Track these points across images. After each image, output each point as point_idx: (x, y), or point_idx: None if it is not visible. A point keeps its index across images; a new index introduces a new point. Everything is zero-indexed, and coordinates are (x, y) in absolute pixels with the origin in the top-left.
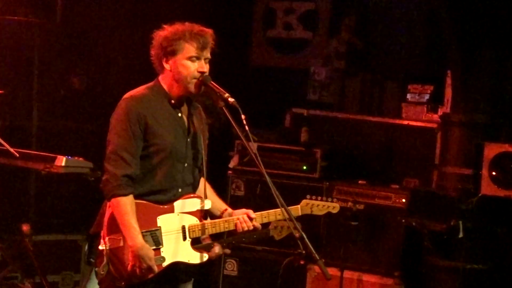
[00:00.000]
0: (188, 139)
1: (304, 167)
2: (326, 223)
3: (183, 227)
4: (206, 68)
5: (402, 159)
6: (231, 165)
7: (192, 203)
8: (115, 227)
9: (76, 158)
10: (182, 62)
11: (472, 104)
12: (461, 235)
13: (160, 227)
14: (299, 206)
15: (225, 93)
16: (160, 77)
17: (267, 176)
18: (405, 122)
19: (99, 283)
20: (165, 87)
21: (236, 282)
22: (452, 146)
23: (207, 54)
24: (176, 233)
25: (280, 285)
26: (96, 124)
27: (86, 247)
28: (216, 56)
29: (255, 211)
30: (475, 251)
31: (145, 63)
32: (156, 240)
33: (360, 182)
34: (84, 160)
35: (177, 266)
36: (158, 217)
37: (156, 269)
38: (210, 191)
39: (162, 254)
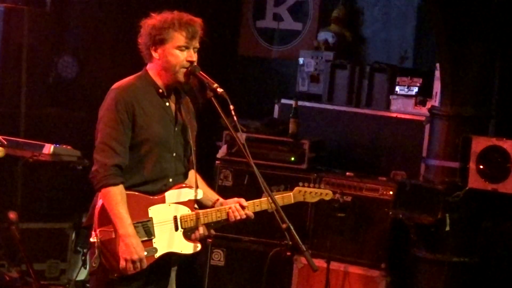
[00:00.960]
0: (176, 129)
1: (292, 158)
2: (313, 215)
3: (175, 218)
4: (194, 57)
5: (390, 151)
6: (219, 155)
7: (184, 193)
8: (106, 219)
9: (64, 146)
10: (171, 51)
11: (461, 97)
12: (447, 228)
13: (151, 218)
14: (291, 193)
15: (213, 83)
16: (148, 66)
17: (254, 167)
18: (393, 115)
19: (91, 275)
20: (153, 76)
21: (223, 273)
22: (439, 139)
23: (196, 43)
24: (168, 224)
25: (266, 277)
26: (85, 112)
27: (74, 236)
28: (206, 46)
29: None
30: (461, 244)
31: (134, 51)
32: (147, 231)
33: (347, 174)
34: (72, 148)
35: (169, 257)
36: (149, 208)
37: (145, 262)
38: (201, 181)
39: (154, 245)
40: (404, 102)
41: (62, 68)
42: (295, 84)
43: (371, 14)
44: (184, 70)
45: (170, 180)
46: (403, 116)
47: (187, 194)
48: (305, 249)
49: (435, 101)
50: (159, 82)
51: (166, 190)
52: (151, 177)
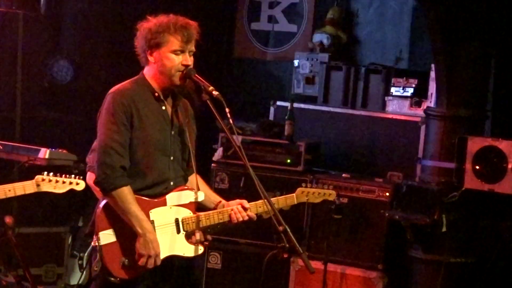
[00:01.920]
0: (172, 132)
1: (288, 160)
2: (309, 216)
3: (177, 220)
4: (190, 61)
5: (386, 152)
6: (215, 158)
7: (185, 196)
8: (106, 223)
9: (59, 150)
10: (166, 55)
11: (456, 98)
12: (444, 229)
13: (153, 221)
14: (294, 194)
15: (209, 86)
16: (145, 70)
17: (251, 169)
18: (389, 116)
19: (93, 279)
20: (149, 79)
21: (220, 275)
22: (435, 140)
23: (192, 47)
24: (170, 227)
25: (263, 279)
26: (80, 116)
27: (70, 240)
28: (201, 49)
29: None
30: (458, 245)
31: (129, 55)
32: None
33: (344, 175)
34: (67, 152)
35: (171, 260)
36: (151, 211)
37: (160, 259)
38: (202, 184)
39: None
40: (399, 103)
41: (57, 71)
42: (290, 86)
43: (366, 15)
44: (180, 73)
45: (171, 183)
46: (398, 117)
47: (188, 196)
48: (302, 251)
49: (431, 102)
50: (155, 85)
51: (168, 193)
52: (151, 180)
